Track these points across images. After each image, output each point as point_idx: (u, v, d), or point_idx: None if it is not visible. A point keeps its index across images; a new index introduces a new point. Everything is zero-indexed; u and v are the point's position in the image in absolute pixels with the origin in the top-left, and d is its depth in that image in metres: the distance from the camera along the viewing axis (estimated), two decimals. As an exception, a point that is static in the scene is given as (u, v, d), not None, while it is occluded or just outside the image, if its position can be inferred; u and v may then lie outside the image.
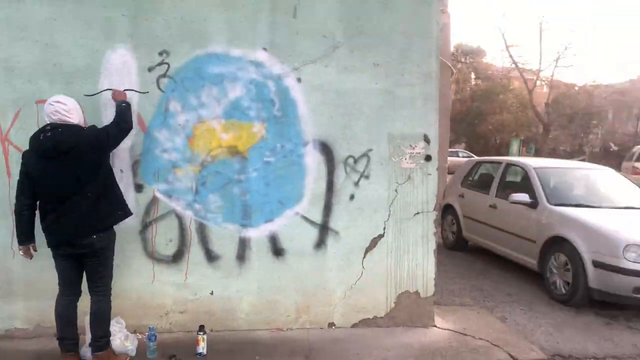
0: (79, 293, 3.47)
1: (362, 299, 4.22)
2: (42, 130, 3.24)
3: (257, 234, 4.11)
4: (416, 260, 4.26)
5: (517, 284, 6.05)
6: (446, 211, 7.99)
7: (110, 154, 3.56)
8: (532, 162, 6.93)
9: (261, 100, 4.02)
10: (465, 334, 4.24)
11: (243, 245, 4.10)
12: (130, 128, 3.53)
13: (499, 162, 7.45)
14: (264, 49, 3.98)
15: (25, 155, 3.30)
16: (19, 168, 3.65)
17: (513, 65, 31.54)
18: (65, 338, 3.41)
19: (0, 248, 3.87)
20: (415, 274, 4.27)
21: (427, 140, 4.17)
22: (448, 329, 4.32)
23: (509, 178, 7.16)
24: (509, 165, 7.20)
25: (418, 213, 4.22)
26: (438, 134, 4.24)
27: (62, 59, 3.79)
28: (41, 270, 3.82)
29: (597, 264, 5.02)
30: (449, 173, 10.06)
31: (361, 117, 4.10)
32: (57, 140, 3.17)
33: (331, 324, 4.22)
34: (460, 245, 7.74)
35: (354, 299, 4.21)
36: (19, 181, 3.33)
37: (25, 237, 3.35)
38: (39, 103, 3.75)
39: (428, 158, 4.19)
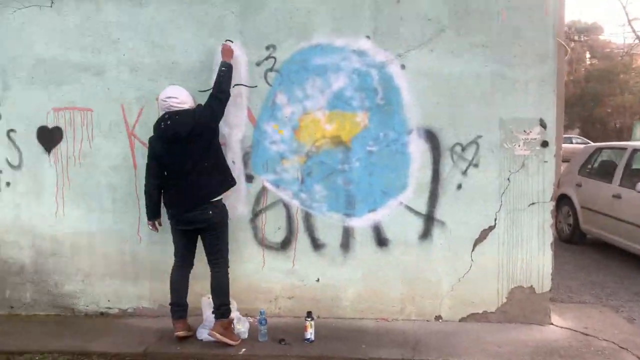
0: (191, 264, 3.85)
1: (471, 293, 4.06)
2: (162, 119, 3.63)
3: (361, 223, 4.10)
4: (531, 253, 4.00)
5: (646, 282, 5.46)
6: (561, 202, 7.41)
7: (224, 147, 3.83)
8: (665, 147, 6.19)
9: (364, 89, 3.99)
10: (587, 334, 3.90)
11: (347, 234, 4.12)
12: (228, 96, 3.74)
13: (624, 148, 6.75)
14: (367, 36, 3.94)
15: (152, 141, 3.70)
16: (143, 161, 4.02)
17: (636, 41, 28.36)
18: (176, 304, 3.76)
19: (129, 235, 4.25)
20: (529, 267, 4.01)
21: (543, 125, 3.88)
22: (567, 328, 4.01)
23: (636, 165, 6.47)
24: (636, 151, 6.49)
25: (533, 203, 3.95)
26: (555, 119, 3.93)
27: (178, 58, 4.06)
28: (164, 255, 4.16)
29: None
30: (563, 161, 9.33)
31: (469, 102, 3.91)
32: (177, 129, 3.54)
33: (438, 317, 4.11)
34: (577, 238, 7.17)
35: (462, 292, 4.06)
36: (147, 164, 3.75)
37: (152, 214, 3.83)
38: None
39: (544, 144, 3.90)
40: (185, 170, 3.58)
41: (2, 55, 4.19)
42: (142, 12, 4.05)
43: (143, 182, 4.09)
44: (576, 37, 30.99)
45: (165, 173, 3.68)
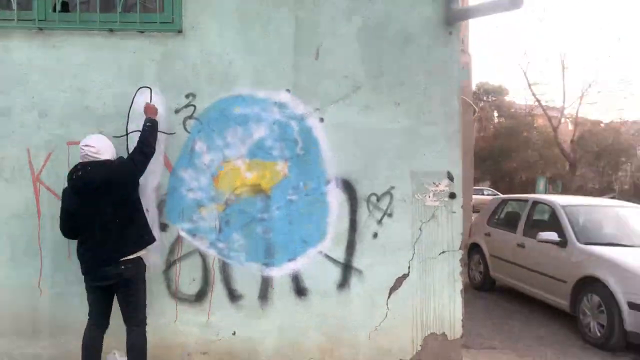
0: (106, 325, 3.57)
1: (387, 341, 4.10)
2: (75, 169, 3.45)
3: (280, 273, 4.07)
4: (442, 301, 4.15)
5: (548, 326, 5.83)
6: (472, 250, 7.84)
7: (138, 190, 3.64)
8: (560, 200, 6.80)
9: (284, 139, 4.07)
10: (496, 380, 4.07)
11: (266, 285, 4.06)
12: (153, 152, 3.65)
13: (526, 200, 7.33)
14: (288, 90, 4.06)
15: (64, 192, 3.52)
16: (49, 208, 3.80)
17: (536, 103, 31.42)
18: None
19: (28, 288, 3.92)
20: (442, 314, 4.15)
21: (450, 177, 4.14)
22: (477, 374, 4.16)
23: (537, 216, 7.03)
24: (536, 203, 7.07)
25: (444, 252, 4.14)
26: (462, 172, 4.21)
27: (92, 102, 3.94)
28: (69, 310, 3.88)
29: (633, 306, 4.82)
30: (474, 211, 9.91)
31: (383, 155, 4.10)
32: (87, 179, 3.37)
33: (355, 367, 4.11)
34: (488, 285, 7.55)
35: (379, 340, 4.10)
36: (60, 217, 3.55)
37: None
38: (70, 145, 3.90)
39: (452, 195, 4.15)
40: (96, 226, 3.38)
41: None
42: (55, 55, 3.92)
43: (47, 231, 3.88)
44: (485, 98, 33.77)
45: (77, 226, 3.46)
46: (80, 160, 3.45)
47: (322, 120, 4.08)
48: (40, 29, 3.90)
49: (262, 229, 4.06)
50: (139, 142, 3.62)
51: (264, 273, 4.06)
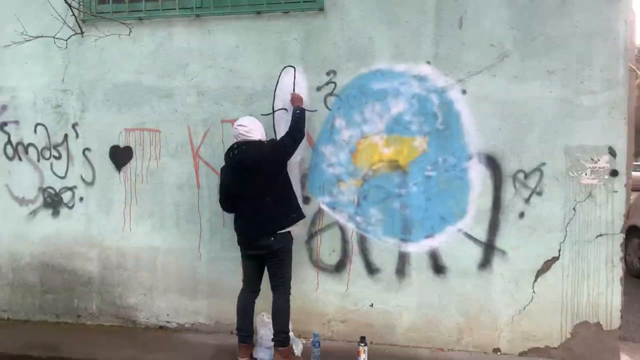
0: (258, 291, 3.86)
1: (532, 326, 3.89)
2: (231, 148, 3.74)
3: (417, 249, 4.05)
4: (598, 288, 3.79)
5: None
6: (631, 234, 6.99)
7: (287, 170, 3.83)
8: None
9: (423, 114, 3.98)
10: (662, 378, 3.64)
11: (402, 260, 4.07)
12: (303, 137, 3.83)
13: (702, 179, 6.32)
14: (428, 62, 3.94)
15: (222, 170, 3.83)
16: (207, 181, 4.20)
17: None
18: (242, 329, 3.79)
19: (189, 251, 4.40)
20: (596, 302, 3.80)
21: (612, 153, 3.72)
22: (638, 370, 3.76)
23: None
24: None
25: (601, 235, 3.77)
26: (626, 147, 3.76)
27: (242, 82, 4.22)
28: (222, 273, 4.29)
29: None
30: (633, 190, 8.83)
31: (533, 128, 3.81)
32: (242, 158, 3.63)
33: (496, 350, 3.96)
34: (649, 274, 6.73)
35: (523, 325, 3.90)
36: (219, 192, 3.91)
37: None
38: (224, 122, 4.23)
39: (614, 173, 3.72)
40: (249, 201, 3.64)
41: (82, 80, 4.51)
42: (209, 39, 4.25)
43: (205, 201, 4.28)
44: (647, 61, 29.53)
45: (233, 201, 3.76)
46: (235, 140, 3.73)
47: (464, 92, 3.90)
48: (198, 15, 4.25)
49: (400, 205, 4.05)
50: (290, 127, 3.80)
51: (401, 248, 4.06)
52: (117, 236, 4.52)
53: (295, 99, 3.94)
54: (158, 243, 4.45)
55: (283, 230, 3.67)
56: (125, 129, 4.46)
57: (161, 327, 4.48)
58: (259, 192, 3.61)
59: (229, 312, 4.05)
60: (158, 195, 4.42)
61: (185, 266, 4.41)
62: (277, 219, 3.65)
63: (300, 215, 3.81)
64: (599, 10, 3.69)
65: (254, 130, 3.68)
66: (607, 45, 3.69)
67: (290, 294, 3.78)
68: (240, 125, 3.70)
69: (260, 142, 3.70)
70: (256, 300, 3.85)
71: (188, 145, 4.34)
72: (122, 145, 4.48)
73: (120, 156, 4.49)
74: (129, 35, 4.10)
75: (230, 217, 4.01)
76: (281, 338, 3.69)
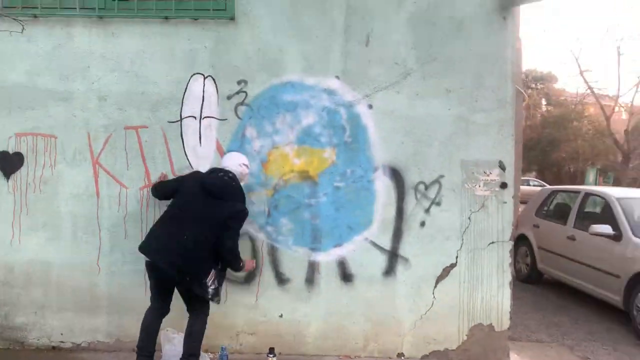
0: (167, 311, 3.60)
1: (432, 330, 4.10)
2: (219, 169, 3.61)
3: (326, 258, 4.12)
4: (490, 292, 4.09)
5: (599, 322, 5.65)
6: (519, 242, 7.65)
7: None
8: (614, 192, 6.53)
9: (333, 126, 4.09)
10: (544, 373, 3.99)
11: (312, 269, 4.12)
12: (236, 269, 3.68)
13: (577, 192, 7.09)
14: (337, 76, 4.06)
15: (193, 173, 3.71)
16: (107, 190, 3.98)
17: (587, 91, 30.07)
18: (142, 349, 3.52)
19: (87, 266, 4.12)
20: (489, 305, 4.10)
21: (502, 167, 4.06)
22: (525, 366, 4.10)
23: (589, 208, 6.79)
24: (588, 194, 6.83)
25: (493, 242, 4.08)
26: (513, 161, 4.12)
27: (148, 88, 4.06)
28: (123, 288, 4.07)
29: (693, 304, 4.61)
30: (520, 202, 9.68)
31: (433, 143, 4.06)
32: (218, 184, 3.49)
33: (400, 354, 4.12)
34: (535, 278, 7.39)
35: (425, 329, 4.10)
36: (171, 180, 3.82)
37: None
38: (127, 129, 4.05)
39: (503, 185, 4.06)
40: (188, 218, 3.41)
41: (-35, 78, 4.10)
42: (113, 42, 4.06)
43: (105, 211, 4.05)
44: (533, 85, 32.59)
45: (173, 204, 3.57)
46: (224, 164, 3.68)
47: (370, 107, 4.06)
48: (100, 17, 4.04)
49: (310, 215, 4.11)
50: (234, 257, 3.57)
51: (310, 258, 4.11)
52: (4, 250, 4.12)
53: (248, 265, 3.85)
54: (52, 257, 4.11)
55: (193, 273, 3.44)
56: (15, 134, 4.11)
57: (54, 348, 4.14)
58: (203, 221, 3.38)
59: (132, 329, 3.84)
60: (53, 206, 4.10)
61: (83, 281, 4.12)
62: (199, 262, 3.40)
63: (216, 293, 3.50)
64: (490, 36, 4.03)
65: (230, 162, 3.68)
66: (497, 68, 4.04)
67: (208, 314, 3.61)
68: (244, 164, 3.75)
69: (241, 192, 3.60)
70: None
71: (87, 152, 4.09)
72: (11, 151, 4.12)
73: (9, 163, 4.12)
74: (22, 33, 3.80)
75: (132, 229, 3.82)
76: None
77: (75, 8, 4.03)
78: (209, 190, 3.48)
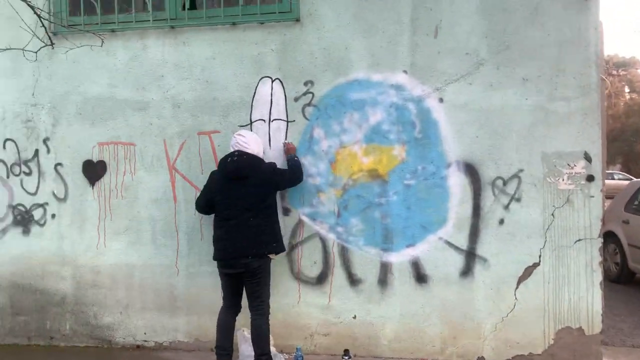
0: (238, 309, 3.73)
1: (515, 333, 3.88)
2: (231, 154, 3.67)
3: (399, 258, 4.02)
4: (579, 293, 3.81)
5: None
6: (607, 239, 7.07)
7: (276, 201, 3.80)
8: None
9: (402, 122, 3.98)
10: (644, 381, 3.66)
11: (384, 270, 4.03)
12: (300, 181, 3.88)
13: (673, 184, 6.47)
14: (404, 71, 3.96)
15: (213, 174, 3.78)
16: (184, 194, 4.11)
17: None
18: (220, 347, 3.65)
19: (166, 267, 4.28)
20: (577, 307, 3.82)
21: (588, 158, 3.77)
22: (621, 374, 3.77)
23: (687, 202, 6.18)
24: (687, 186, 6.21)
25: (580, 240, 3.80)
26: (600, 152, 3.81)
27: (218, 94, 4.16)
28: (201, 289, 4.18)
29: None
30: (606, 197, 9.02)
31: (510, 135, 3.84)
32: (239, 166, 3.58)
33: (481, 358, 3.93)
34: (625, 278, 6.84)
35: (506, 332, 3.89)
36: (201, 193, 3.84)
37: None
38: (200, 135, 4.17)
39: (590, 178, 3.77)
40: (234, 212, 3.55)
41: (53, 93, 4.39)
42: (185, 51, 4.20)
43: (182, 215, 4.19)
44: (614, 71, 30.45)
45: (216, 209, 3.66)
46: (232, 149, 3.69)
47: (441, 100, 3.92)
48: (172, 27, 4.19)
49: (380, 214, 4.02)
50: (290, 168, 3.84)
51: (382, 258, 4.03)
52: (92, 253, 4.38)
53: (289, 148, 3.95)
54: (134, 259, 4.32)
55: (262, 253, 3.57)
56: (98, 143, 4.35)
57: (138, 347, 4.34)
58: (245, 206, 3.54)
59: (209, 329, 3.94)
60: (133, 210, 4.31)
61: (163, 282, 4.29)
62: (259, 242, 3.55)
63: (281, 248, 3.73)
64: (570, 18, 3.76)
65: (251, 142, 3.69)
66: (579, 53, 3.76)
67: (269, 313, 3.66)
68: (239, 134, 3.71)
69: (259, 157, 3.68)
70: (237, 317, 3.74)
71: (164, 159, 4.25)
72: (95, 159, 4.37)
73: (94, 171, 4.37)
74: (102, 46, 4.02)
75: (208, 231, 3.92)
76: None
77: (149, 20, 4.21)
78: (232, 177, 3.57)
